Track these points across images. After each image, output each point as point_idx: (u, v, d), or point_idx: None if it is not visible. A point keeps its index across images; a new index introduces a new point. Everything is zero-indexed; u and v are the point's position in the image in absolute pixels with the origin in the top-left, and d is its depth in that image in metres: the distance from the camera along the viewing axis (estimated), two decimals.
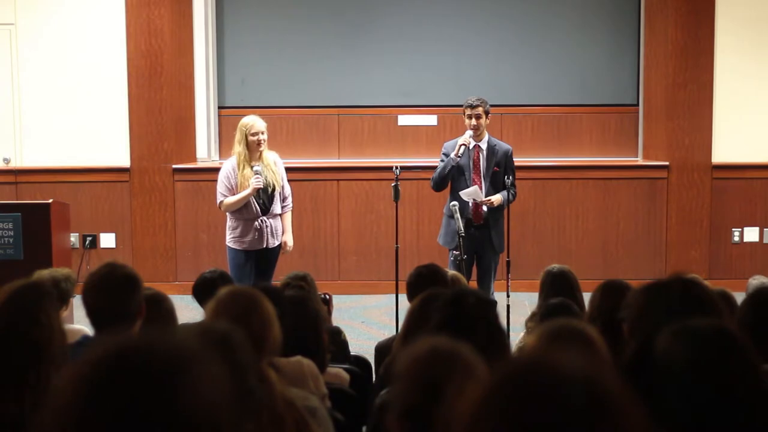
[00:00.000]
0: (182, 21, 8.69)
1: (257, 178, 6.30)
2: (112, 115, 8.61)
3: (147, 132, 8.59)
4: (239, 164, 6.36)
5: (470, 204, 6.47)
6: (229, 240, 6.48)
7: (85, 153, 8.61)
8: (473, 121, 6.50)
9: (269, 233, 6.45)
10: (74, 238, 8.29)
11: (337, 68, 9.02)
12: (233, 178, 6.37)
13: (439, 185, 6.62)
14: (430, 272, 4.39)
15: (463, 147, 6.44)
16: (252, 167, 6.35)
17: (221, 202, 6.42)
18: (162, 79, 8.58)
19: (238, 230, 6.42)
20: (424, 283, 4.12)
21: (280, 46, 9.03)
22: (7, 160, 8.61)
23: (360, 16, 9.02)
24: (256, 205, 6.39)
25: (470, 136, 6.49)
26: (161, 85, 8.58)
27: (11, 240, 6.90)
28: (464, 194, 6.37)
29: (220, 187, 6.42)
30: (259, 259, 6.48)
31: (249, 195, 6.33)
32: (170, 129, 8.63)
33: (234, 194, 6.36)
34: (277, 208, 6.49)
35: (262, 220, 6.41)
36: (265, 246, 6.45)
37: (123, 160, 8.63)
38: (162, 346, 1.28)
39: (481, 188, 6.51)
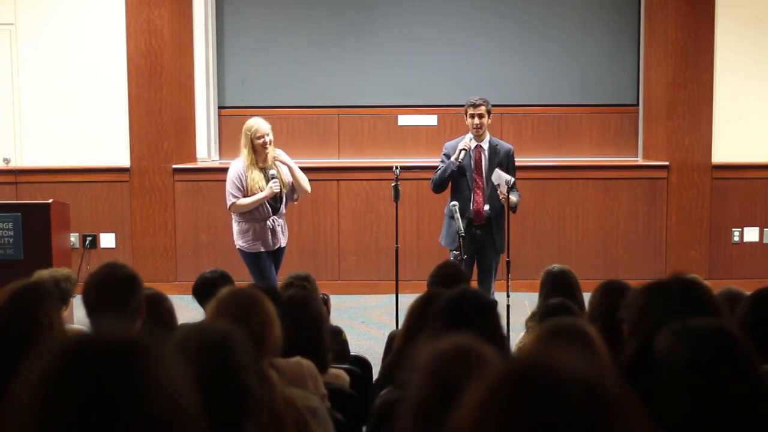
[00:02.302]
0: (182, 21, 8.69)
1: (275, 181, 6.27)
2: (112, 115, 8.61)
3: (147, 132, 8.59)
4: (247, 168, 6.32)
5: (471, 204, 6.47)
6: (244, 244, 6.39)
7: (85, 153, 8.61)
8: (476, 121, 6.48)
9: (280, 232, 6.45)
10: (74, 238, 8.29)
11: (337, 68, 9.02)
12: (244, 179, 6.32)
13: (439, 187, 6.61)
14: (454, 271, 4.44)
15: (463, 152, 6.43)
16: (263, 170, 6.32)
17: (233, 203, 6.32)
18: (162, 79, 8.58)
19: (251, 233, 6.36)
20: (449, 279, 4.17)
21: (280, 46, 9.03)
22: (7, 160, 8.61)
23: (360, 16, 9.02)
24: (268, 206, 6.36)
25: (471, 139, 6.48)
26: (161, 85, 8.58)
27: (11, 240, 6.91)
28: (496, 176, 6.28)
29: (231, 188, 6.32)
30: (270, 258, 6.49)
31: (265, 198, 6.29)
32: (170, 129, 8.63)
33: (245, 196, 6.33)
34: (284, 207, 6.48)
35: (273, 220, 6.39)
36: (277, 246, 6.44)
37: (123, 160, 8.63)
38: (118, 336, 1.36)
39: (483, 188, 6.50)
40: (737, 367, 1.98)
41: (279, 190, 6.31)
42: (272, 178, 6.28)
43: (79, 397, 1.26)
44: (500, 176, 6.25)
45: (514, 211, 6.47)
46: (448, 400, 1.72)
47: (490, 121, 6.60)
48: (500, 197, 6.28)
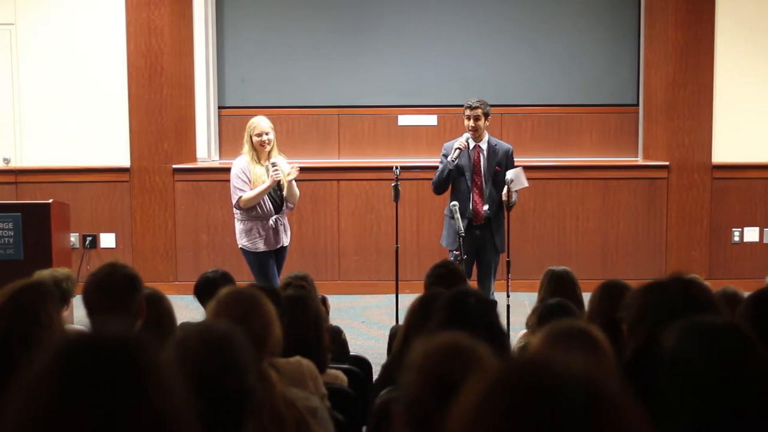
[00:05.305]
0: (182, 21, 8.69)
1: (276, 170, 6.26)
2: (112, 115, 8.61)
3: (147, 132, 8.59)
4: (249, 163, 6.32)
5: (471, 204, 6.48)
6: (247, 243, 6.38)
7: (85, 153, 8.61)
8: (471, 122, 6.51)
9: (282, 231, 6.44)
10: (74, 238, 8.29)
11: (337, 68, 9.02)
12: (248, 173, 6.32)
13: (439, 188, 6.61)
14: (450, 270, 4.42)
15: (458, 151, 6.43)
16: (264, 165, 6.32)
17: (239, 198, 6.30)
18: (162, 79, 8.58)
19: (254, 232, 6.34)
20: (445, 279, 4.17)
21: (280, 46, 9.03)
22: (7, 160, 8.61)
23: (360, 16, 9.02)
24: (270, 203, 6.35)
25: (467, 139, 6.49)
26: (161, 85, 8.58)
27: (11, 240, 6.91)
28: (511, 174, 6.33)
29: (237, 183, 6.32)
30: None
31: (269, 187, 6.25)
32: (170, 129, 8.63)
33: (251, 189, 6.32)
34: (285, 206, 6.47)
35: (276, 219, 6.39)
36: (280, 245, 6.44)
37: (123, 160, 8.63)
38: (119, 334, 1.38)
39: (482, 189, 6.50)
40: (749, 364, 1.98)
41: (280, 179, 6.29)
42: (273, 166, 6.27)
43: (80, 394, 1.26)
44: (519, 178, 6.28)
45: (509, 210, 6.47)
46: (442, 397, 1.70)
47: (488, 123, 6.61)
48: (504, 193, 6.29)
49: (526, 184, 6.40)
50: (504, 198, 6.34)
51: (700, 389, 1.95)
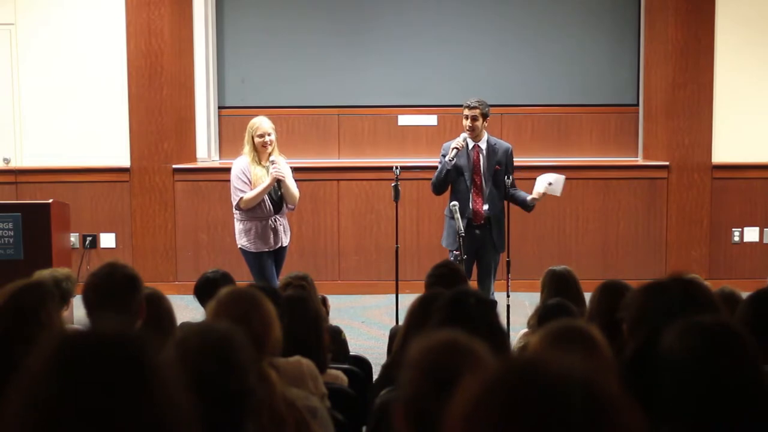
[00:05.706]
0: (182, 21, 8.69)
1: (275, 167, 6.26)
2: (112, 115, 8.61)
3: (147, 132, 8.59)
4: (250, 164, 6.32)
5: (470, 204, 6.48)
6: (246, 243, 6.38)
7: (85, 153, 8.61)
8: (469, 122, 6.52)
9: (282, 231, 6.44)
10: (74, 238, 8.29)
11: (337, 68, 9.02)
12: (248, 174, 6.32)
13: (438, 188, 6.61)
14: (451, 270, 4.42)
15: (455, 151, 6.44)
16: (264, 165, 6.32)
17: (240, 198, 6.28)
18: (162, 79, 8.58)
19: (253, 231, 6.35)
20: (446, 279, 4.17)
21: (280, 46, 9.03)
22: (7, 160, 8.61)
23: (360, 16, 9.02)
24: (270, 203, 6.35)
25: (464, 140, 6.49)
26: (161, 85, 8.58)
27: (11, 240, 6.91)
28: (553, 177, 6.43)
29: (237, 184, 6.31)
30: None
31: (269, 186, 6.25)
32: (170, 129, 8.63)
33: (252, 189, 6.32)
34: (285, 206, 6.46)
35: (275, 219, 6.38)
36: (279, 245, 6.44)
37: (123, 160, 8.63)
38: (119, 331, 1.38)
39: (481, 188, 6.51)
40: (744, 365, 1.99)
41: (282, 177, 6.27)
42: (272, 163, 6.26)
43: (80, 393, 1.26)
44: (558, 184, 6.38)
45: (529, 211, 6.56)
46: (440, 393, 1.70)
47: (486, 123, 6.60)
48: (536, 192, 6.44)
49: (559, 193, 6.48)
50: (535, 196, 6.43)
51: (696, 389, 1.96)
